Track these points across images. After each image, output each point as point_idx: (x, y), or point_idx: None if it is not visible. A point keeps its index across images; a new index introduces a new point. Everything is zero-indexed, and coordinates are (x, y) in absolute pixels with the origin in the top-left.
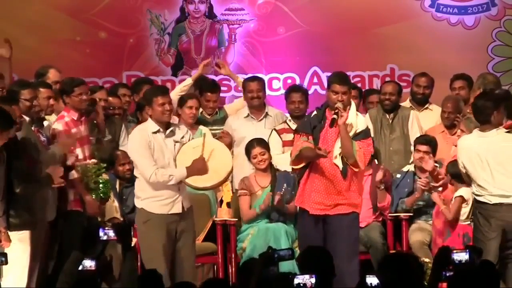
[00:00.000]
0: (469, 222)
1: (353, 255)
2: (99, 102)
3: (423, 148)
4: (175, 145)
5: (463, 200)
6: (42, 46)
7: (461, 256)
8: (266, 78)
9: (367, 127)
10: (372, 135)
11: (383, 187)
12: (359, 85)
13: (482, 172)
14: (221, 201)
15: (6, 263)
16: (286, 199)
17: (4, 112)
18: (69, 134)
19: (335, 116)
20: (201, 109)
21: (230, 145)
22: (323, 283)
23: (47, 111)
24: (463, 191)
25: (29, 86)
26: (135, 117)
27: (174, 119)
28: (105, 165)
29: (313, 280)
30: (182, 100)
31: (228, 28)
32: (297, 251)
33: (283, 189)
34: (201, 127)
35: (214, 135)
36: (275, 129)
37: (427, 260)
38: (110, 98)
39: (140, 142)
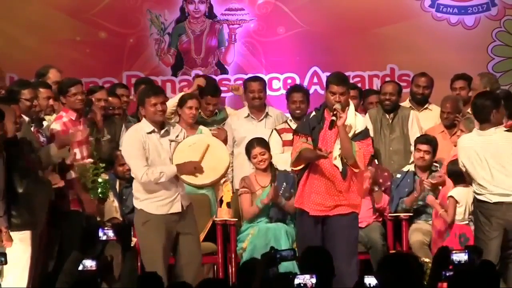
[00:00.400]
0: (467, 222)
1: (352, 256)
2: (99, 102)
3: (424, 147)
4: (170, 144)
5: (455, 200)
6: (42, 46)
7: (460, 257)
8: (266, 78)
9: (366, 127)
10: (372, 135)
11: (377, 189)
12: (359, 85)
13: (481, 171)
14: (221, 201)
15: (6, 263)
16: (285, 196)
17: None
18: (67, 133)
19: (333, 118)
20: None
21: (225, 141)
22: (323, 283)
23: (47, 111)
24: (454, 192)
25: (29, 86)
26: (136, 117)
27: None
28: (103, 165)
29: (313, 280)
30: (182, 100)
31: (228, 28)
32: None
33: (282, 188)
34: (201, 127)
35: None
36: (275, 129)
37: (427, 260)
38: (110, 98)
39: (132, 143)
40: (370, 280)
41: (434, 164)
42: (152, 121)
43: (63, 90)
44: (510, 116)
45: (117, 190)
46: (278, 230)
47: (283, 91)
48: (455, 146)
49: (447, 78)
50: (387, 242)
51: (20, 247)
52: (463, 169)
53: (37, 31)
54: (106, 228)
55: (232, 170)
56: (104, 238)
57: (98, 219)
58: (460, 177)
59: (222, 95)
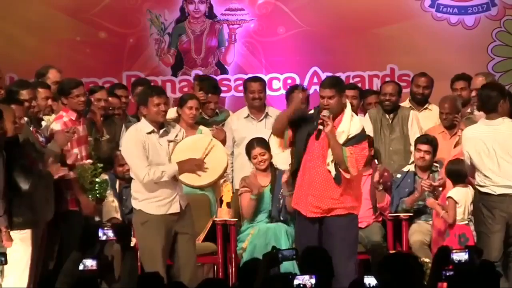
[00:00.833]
0: (466, 222)
1: (350, 257)
2: (99, 102)
3: (424, 147)
4: (169, 144)
5: (454, 200)
6: (42, 46)
7: (460, 256)
8: (266, 78)
9: (363, 130)
10: (372, 135)
11: (381, 188)
12: (359, 85)
13: (488, 161)
14: (221, 201)
15: (6, 263)
16: (287, 194)
17: None
18: (66, 131)
19: (320, 127)
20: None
21: (223, 141)
22: (322, 283)
23: (45, 111)
24: (453, 192)
25: (28, 86)
26: (136, 117)
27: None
28: (101, 165)
29: (313, 281)
30: (182, 100)
31: (228, 28)
32: None
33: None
34: (201, 127)
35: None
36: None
37: (427, 260)
38: (110, 99)
39: (134, 143)
40: (370, 280)
41: (435, 164)
42: (154, 121)
43: (65, 91)
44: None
45: (117, 190)
46: (278, 230)
47: (283, 91)
48: (455, 147)
49: (447, 78)
50: (387, 242)
51: (21, 247)
52: (468, 161)
53: (37, 31)
54: (106, 228)
55: (232, 170)
56: (104, 238)
57: (98, 219)
58: (460, 177)
59: (222, 95)
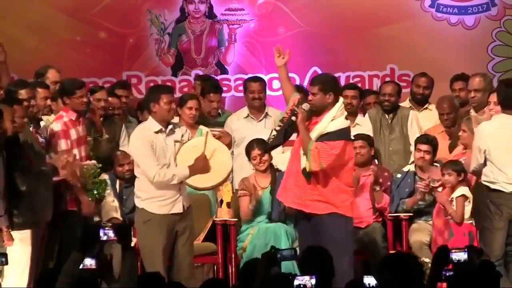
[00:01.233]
0: (471, 221)
1: (343, 255)
2: (99, 102)
3: (424, 147)
4: (175, 144)
5: (465, 198)
6: (42, 46)
7: (460, 256)
8: (266, 78)
9: (342, 130)
10: (371, 135)
11: (378, 189)
12: (359, 85)
13: (508, 157)
14: (221, 201)
15: (7, 263)
16: None
17: None
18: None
19: (293, 118)
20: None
21: (229, 145)
22: (323, 283)
23: (44, 111)
24: (464, 190)
25: (27, 86)
26: (136, 117)
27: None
28: (100, 165)
29: (313, 281)
30: (182, 101)
31: (228, 28)
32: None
33: None
34: (201, 127)
35: (213, 136)
36: (275, 129)
37: (427, 260)
38: (110, 99)
39: (143, 142)
40: (370, 280)
41: (435, 164)
42: (162, 119)
43: (68, 91)
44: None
45: (117, 190)
46: (278, 230)
47: None
48: (450, 147)
49: (447, 78)
50: (387, 242)
51: (21, 247)
52: (480, 157)
53: (37, 31)
54: (106, 228)
55: (232, 170)
56: (105, 238)
57: (97, 219)
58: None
59: (223, 95)
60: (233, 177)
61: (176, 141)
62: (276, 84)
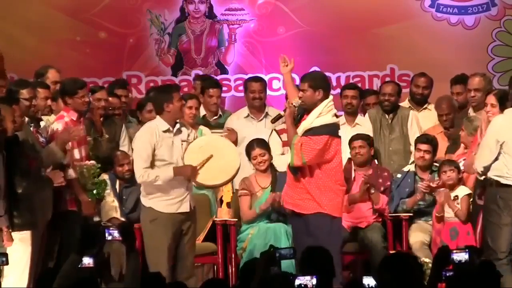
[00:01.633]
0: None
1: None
2: (99, 102)
3: (424, 147)
4: (182, 144)
5: (469, 197)
6: (42, 46)
7: (460, 256)
8: (266, 78)
9: (328, 125)
10: (371, 135)
11: (373, 191)
12: (359, 85)
13: None
14: (221, 201)
15: (7, 263)
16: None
17: None
18: (66, 130)
19: (281, 112)
20: (202, 113)
21: (236, 142)
22: (323, 283)
23: (44, 111)
24: (467, 189)
25: (28, 85)
26: (136, 117)
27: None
28: (99, 165)
29: (314, 281)
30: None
31: (228, 28)
32: None
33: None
34: (201, 127)
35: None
36: (275, 130)
37: (427, 260)
38: (110, 99)
39: (144, 142)
40: (369, 280)
41: (435, 164)
42: (175, 118)
43: (70, 91)
44: None
45: (117, 190)
46: (278, 230)
47: (283, 91)
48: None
49: (447, 78)
50: (387, 242)
51: (21, 247)
52: (496, 150)
53: (37, 31)
54: (111, 228)
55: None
56: (110, 238)
57: (97, 219)
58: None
59: (223, 95)
60: None
61: (183, 141)
62: (276, 84)
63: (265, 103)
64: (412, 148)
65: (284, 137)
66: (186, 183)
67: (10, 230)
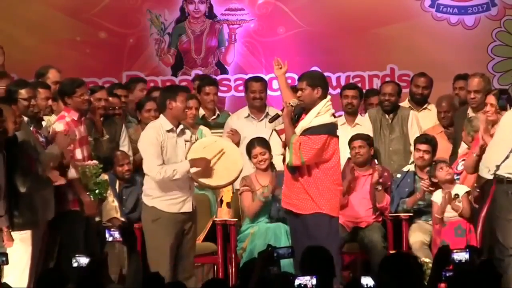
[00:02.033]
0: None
1: None
2: (99, 102)
3: (423, 147)
4: (185, 144)
5: (468, 194)
6: (42, 46)
7: (461, 256)
8: (266, 78)
9: (327, 124)
10: (371, 135)
11: (380, 188)
12: (359, 85)
13: None
14: (221, 201)
15: (7, 263)
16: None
17: None
18: (67, 133)
19: (279, 112)
20: (202, 113)
21: (238, 144)
22: (323, 283)
23: (45, 111)
24: (465, 187)
25: (27, 85)
26: (136, 117)
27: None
28: (101, 165)
29: (314, 281)
30: None
31: (228, 28)
32: None
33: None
34: (201, 127)
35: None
36: (275, 130)
37: (427, 260)
38: (110, 98)
39: (151, 141)
40: (367, 280)
41: (434, 163)
42: (177, 118)
43: (68, 90)
44: None
45: (117, 190)
46: (278, 229)
47: None
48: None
49: (447, 78)
50: (387, 242)
51: (21, 247)
52: (506, 149)
53: (37, 31)
54: (112, 229)
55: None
56: (111, 239)
57: (98, 219)
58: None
59: (223, 95)
60: None
61: (186, 141)
62: (276, 84)
63: (265, 103)
64: (412, 148)
65: (284, 137)
66: (190, 184)
67: (10, 230)
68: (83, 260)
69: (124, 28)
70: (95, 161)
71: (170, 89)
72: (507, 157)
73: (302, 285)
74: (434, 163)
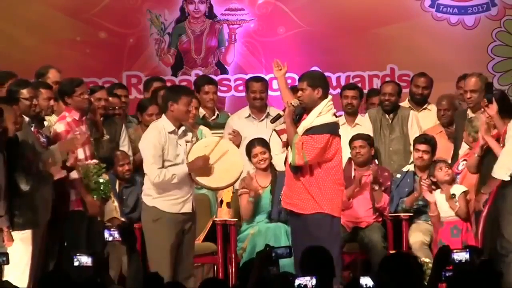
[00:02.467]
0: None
1: None
2: (99, 102)
3: (422, 147)
4: (186, 145)
5: (466, 194)
6: (42, 46)
7: (461, 256)
8: (266, 78)
9: (329, 124)
10: (371, 135)
11: (377, 188)
12: (359, 85)
13: None
14: (221, 201)
15: (8, 263)
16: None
17: None
18: (70, 135)
19: (281, 112)
20: (202, 113)
21: (239, 145)
22: (323, 284)
23: (47, 111)
24: (463, 187)
25: (28, 85)
26: (136, 117)
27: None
28: (104, 165)
29: (313, 282)
30: None
31: (228, 28)
32: None
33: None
34: (201, 127)
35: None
36: (275, 130)
37: (427, 260)
38: (110, 98)
39: (153, 143)
40: (366, 280)
41: (434, 163)
42: (178, 119)
43: (67, 90)
44: (508, 116)
45: (117, 190)
46: (278, 230)
47: None
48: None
49: (447, 78)
50: (387, 242)
51: (21, 247)
52: None
53: (37, 31)
54: (112, 229)
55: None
56: (110, 239)
57: (99, 219)
58: None
59: (223, 95)
60: None
61: (187, 142)
62: (276, 84)
63: (266, 103)
64: (412, 148)
65: (284, 137)
66: (190, 184)
67: (11, 230)
68: (84, 259)
69: (124, 28)
70: (95, 160)
71: (173, 91)
72: None
73: (302, 285)
74: (433, 163)
